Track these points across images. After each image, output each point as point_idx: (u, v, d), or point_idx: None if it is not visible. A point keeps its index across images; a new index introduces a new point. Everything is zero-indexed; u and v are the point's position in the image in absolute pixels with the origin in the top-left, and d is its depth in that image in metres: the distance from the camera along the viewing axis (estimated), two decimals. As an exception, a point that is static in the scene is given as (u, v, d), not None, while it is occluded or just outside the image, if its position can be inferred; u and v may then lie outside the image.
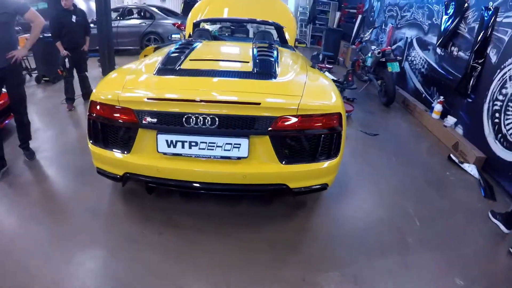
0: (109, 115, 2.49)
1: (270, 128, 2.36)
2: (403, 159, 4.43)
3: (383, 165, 4.21)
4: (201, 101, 2.31)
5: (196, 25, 4.70)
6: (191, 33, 4.69)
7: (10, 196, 3.20)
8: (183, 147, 2.42)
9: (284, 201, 3.21)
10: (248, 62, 3.02)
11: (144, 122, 2.40)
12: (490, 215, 3.26)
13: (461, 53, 5.15)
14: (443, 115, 5.42)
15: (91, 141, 2.66)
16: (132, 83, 2.60)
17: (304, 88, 2.54)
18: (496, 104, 4.18)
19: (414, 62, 6.83)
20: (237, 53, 3.65)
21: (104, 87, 2.66)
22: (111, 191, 3.29)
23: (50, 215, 2.95)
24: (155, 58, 3.14)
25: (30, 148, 3.90)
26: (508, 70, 4.00)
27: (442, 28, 5.62)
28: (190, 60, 2.99)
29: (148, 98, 2.36)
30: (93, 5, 10.27)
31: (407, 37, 7.26)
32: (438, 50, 5.85)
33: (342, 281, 2.35)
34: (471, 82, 4.68)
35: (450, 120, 5.19)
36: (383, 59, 6.33)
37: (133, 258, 2.49)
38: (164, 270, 2.40)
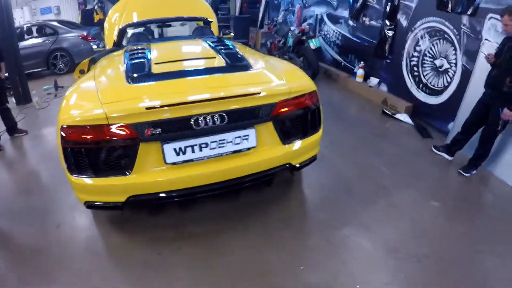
0: (97, 137, 2.20)
1: (272, 114, 2.49)
2: (347, 122, 5.06)
3: (334, 131, 4.62)
4: (209, 100, 2.29)
5: (122, 31, 4.36)
6: (115, 41, 4.35)
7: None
8: (193, 151, 2.35)
9: (276, 183, 3.34)
10: (214, 57, 3.01)
11: (146, 135, 2.23)
12: (433, 149, 4.01)
13: (373, 22, 5.96)
14: (366, 78, 6.23)
15: (73, 174, 2.29)
16: (112, 97, 2.33)
17: (282, 74, 2.74)
18: (413, 60, 5.02)
19: (328, 36, 7.61)
20: (195, 50, 3.54)
21: (75, 108, 2.35)
22: (98, 224, 2.92)
23: (45, 272, 2.44)
24: (111, 69, 2.98)
25: None
26: (419, 31, 4.82)
27: (352, 2, 6.38)
28: (156, 64, 2.83)
29: (148, 108, 2.18)
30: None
31: (317, 14, 8.00)
32: (351, 22, 6.64)
33: (356, 233, 2.74)
34: (387, 45, 5.49)
35: (373, 81, 6.01)
36: (303, 37, 6.93)
37: (166, 284, 2.32)
38: (204, 282, 2.33)
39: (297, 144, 2.69)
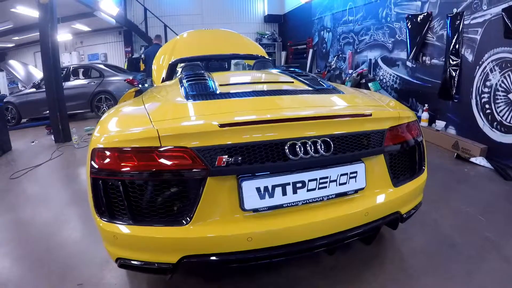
0: (143, 166, 1.71)
1: (384, 144, 2.09)
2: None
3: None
4: (311, 118, 1.92)
5: (173, 66, 4.26)
6: (164, 77, 4.26)
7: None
8: (284, 193, 1.82)
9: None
10: (292, 81, 2.78)
11: (218, 165, 1.70)
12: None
13: (434, 61, 5.99)
14: (431, 122, 6.10)
15: (103, 218, 1.79)
16: (167, 114, 2.03)
17: (379, 99, 2.48)
18: (483, 97, 4.88)
19: (384, 80, 7.71)
20: (267, 76, 3.33)
21: (114, 128, 1.95)
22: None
23: None
24: (164, 92, 2.77)
25: None
26: (487, 64, 4.73)
27: (409, 42, 6.47)
28: (221, 85, 2.53)
29: (224, 125, 1.71)
30: (31, 69, 10.11)
31: (370, 59, 8.22)
32: (409, 64, 6.72)
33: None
34: (453, 84, 5.41)
35: (440, 124, 5.85)
36: (362, 81, 7.03)
37: None
38: None
39: (408, 186, 2.28)
